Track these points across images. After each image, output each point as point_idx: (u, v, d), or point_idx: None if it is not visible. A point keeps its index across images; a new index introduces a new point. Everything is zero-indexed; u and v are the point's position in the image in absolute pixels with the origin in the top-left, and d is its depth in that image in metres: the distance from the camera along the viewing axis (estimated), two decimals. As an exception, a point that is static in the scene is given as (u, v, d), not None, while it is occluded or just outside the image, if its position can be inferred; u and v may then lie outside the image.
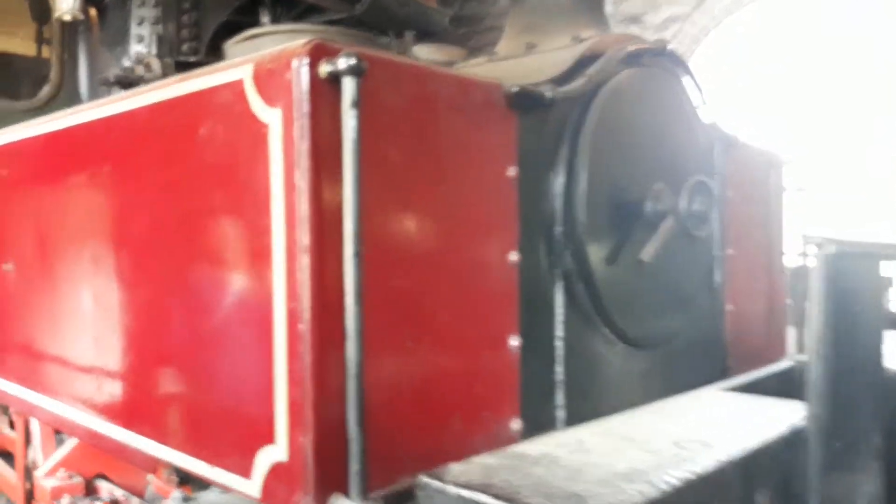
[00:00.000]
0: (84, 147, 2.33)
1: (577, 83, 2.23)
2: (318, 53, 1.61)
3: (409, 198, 1.83)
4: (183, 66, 3.67)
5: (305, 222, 1.61)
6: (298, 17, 3.71)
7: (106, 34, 3.89)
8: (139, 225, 2.07)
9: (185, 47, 3.84)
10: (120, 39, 3.90)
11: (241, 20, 3.85)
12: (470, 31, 7.14)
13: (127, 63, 3.78)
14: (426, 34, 4.01)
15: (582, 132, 2.28)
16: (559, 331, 2.27)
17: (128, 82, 3.60)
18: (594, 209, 2.30)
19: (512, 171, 2.10)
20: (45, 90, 3.80)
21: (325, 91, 1.62)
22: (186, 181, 1.89)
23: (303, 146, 1.60)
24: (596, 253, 2.33)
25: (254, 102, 1.69)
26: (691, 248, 2.74)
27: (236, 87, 1.73)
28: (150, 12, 3.86)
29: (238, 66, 1.74)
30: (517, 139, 2.11)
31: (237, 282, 1.79)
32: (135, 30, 3.88)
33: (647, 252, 2.41)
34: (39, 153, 2.54)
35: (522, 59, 2.56)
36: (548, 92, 2.11)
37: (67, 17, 3.66)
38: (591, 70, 2.29)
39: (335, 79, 1.61)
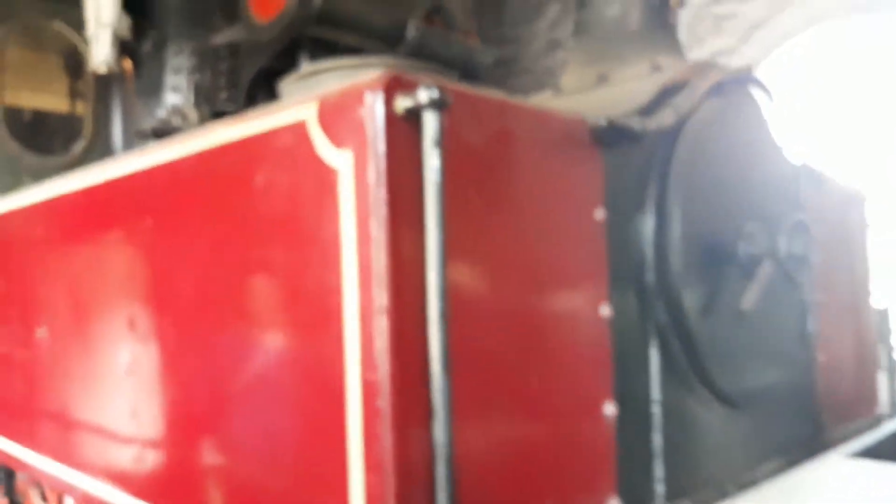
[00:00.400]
0: (123, 201, 2.13)
1: (665, 115, 2.00)
2: (393, 86, 1.40)
3: (491, 247, 1.60)
4: (220, 116, 3.52)
5: (383, 279, 1.38)
6: (339, 61, 3.53)
7: (140, 85, 3.76)
8: (186, 285, 1.85)
9: (222, 96, 3.69)
10: (154, 90, 3.76)
11: (278, 67, 3.70)
12: (506, 73, 6.99)
13: (162, 114, 3.64)
14: (468, 75, 3.84)
15: (671, 169, 2.05)
16: (655, 393, 2.01)
17: (164, 133, 3.45)
18: (686, 254, 2.06)
19: (599, 214, 1.87)
20: (79, 144, 3.65)
21: (402, 129, 1.41)
22: (241, 235, 1.67)
23: (378, 192, 1.38)
24: (690, 303, 2.08)
25: (320, 145, 1.48)
26: (784, 293, 2.47)
27: (299, 129, 1.52)
28: (185, 61, 3.72)
29: (300, 105, 1.53)
30: (603, 178, 1.88)
31: (302, 349, 1.55)
32: (170, 80, 3.74)
33: (748, 300, 2.15)
34: (74, 209, 2.35)
35: (595, 91, 2.35)
36: (637, 125, 1.89)
37: (102, 69, 3.54)
38: (678, 101, 2.07)
39: (413, 114, 1.40)
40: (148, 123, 3.56)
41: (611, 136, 1.86)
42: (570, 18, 6.50)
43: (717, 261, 2.18)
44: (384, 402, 1.39)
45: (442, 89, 1.37)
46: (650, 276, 2.02)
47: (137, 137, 3.54)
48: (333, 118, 1.47)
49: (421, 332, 1.40)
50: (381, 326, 1.39)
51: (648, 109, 2.07)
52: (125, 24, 3.53)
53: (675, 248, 2.01)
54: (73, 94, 4.02)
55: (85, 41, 3.61)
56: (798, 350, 2.66)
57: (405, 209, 1.41)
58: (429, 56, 3.49)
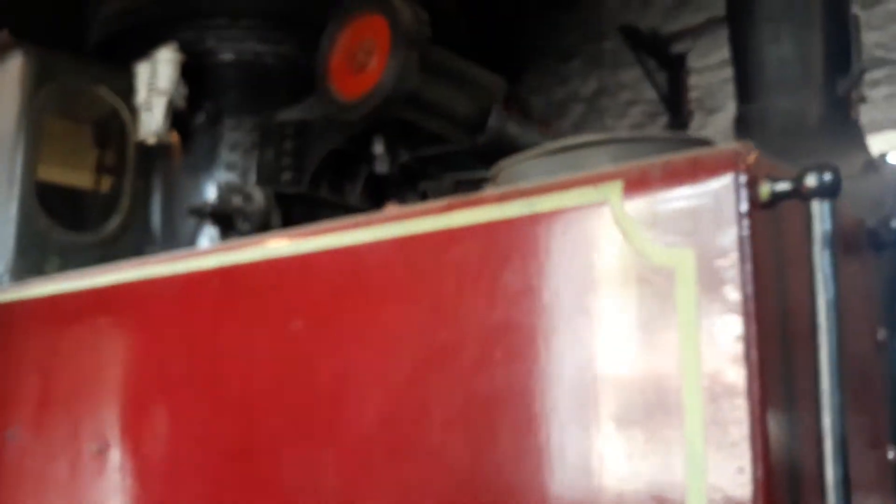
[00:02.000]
0: (267, 294, 1.66)
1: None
2: (758, 166, 1.06)
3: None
4: (282, 198, 3.15)
5: (745, 446, 0.98)
6: (415, 148, 3.27)
7: (189, 160, 3.35)
8: (365, 414, 1.40)
9: (284, 177, 3.30)
10: (206, 166, 3.36)
11: (348, 150, 3.36)
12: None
13: (215, 192, 3.24)
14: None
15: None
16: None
17: (222, 213, 3.05)
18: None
19: (881, 334, 1.52)
20: (115, 221, 3.20)
21: (764, 221, 1.06)
22: (475, 350, 1.25)
23: (746, 306, 1.00)
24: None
25: (638, 237, 1.10)
26: None
27: (594, 214, 1.14)
28: (245, 137, 3.35)
29: (590, 181, 1.16)
30: (880, 289, 1.55)
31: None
32: (226, 156, 3.36)
33: None
34: (172, 298, 1.90)
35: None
36: (918, 227, 1.57)
37: (151, 140, 3.14)
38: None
39: (779, 202, 1.06)
40: (199, 201, 3.17)
41: (889, 240, 1.54)
42: (599, 121, 6.36)
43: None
44: None
45: (835, 172, 1.02)
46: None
47: (191, 216, 3.12)
48: (656, 201, 1.10)
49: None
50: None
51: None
52: (182, 93, 3.16)
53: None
54: (110, 167, 3.58)
55: (129, 110, 3.22)
56: None
57: (774, 332, 1.03)
58: (508, 146, 3.21)
